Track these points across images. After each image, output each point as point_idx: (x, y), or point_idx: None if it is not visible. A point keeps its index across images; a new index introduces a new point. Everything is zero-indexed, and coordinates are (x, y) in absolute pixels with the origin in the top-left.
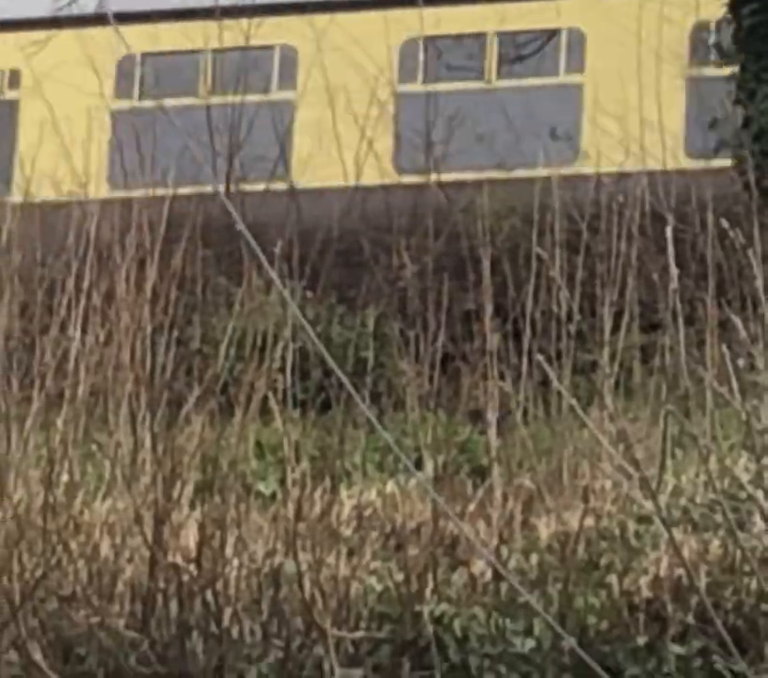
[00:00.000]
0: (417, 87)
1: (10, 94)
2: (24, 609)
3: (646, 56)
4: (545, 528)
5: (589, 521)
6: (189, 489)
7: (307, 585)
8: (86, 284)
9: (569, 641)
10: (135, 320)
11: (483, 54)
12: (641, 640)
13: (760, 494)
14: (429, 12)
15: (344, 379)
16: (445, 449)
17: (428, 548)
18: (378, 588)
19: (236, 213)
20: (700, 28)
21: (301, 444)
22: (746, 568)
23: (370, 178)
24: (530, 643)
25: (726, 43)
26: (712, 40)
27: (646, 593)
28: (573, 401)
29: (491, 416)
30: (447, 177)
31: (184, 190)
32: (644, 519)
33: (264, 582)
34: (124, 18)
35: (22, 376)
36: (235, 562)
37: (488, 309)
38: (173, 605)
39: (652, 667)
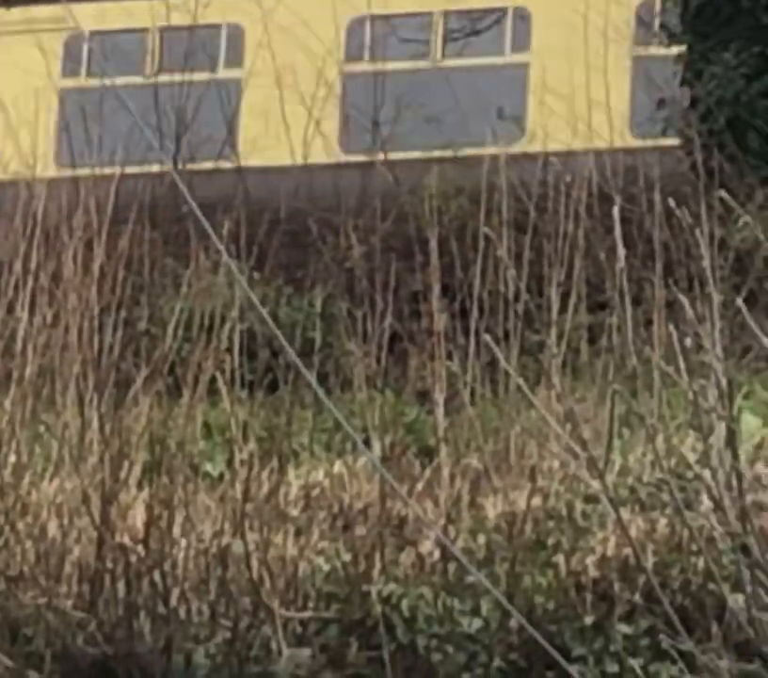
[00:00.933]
0: (364, 66)
1: None
2: None
3: (592, 35)
4: (492, 508)
5: (536, 500)
6: (137, 469)
7: (254, 565)
8: (33, 265)
9: (519, 618)
10: (82, 301)
11: (429, 32)
12: (588, 620)
13: (706, 474)
14: None
15: (295, 359)
16: (392, 429)
17: (376, 528)
18: (326, 568)
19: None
20: (647, 8)
21: (249, 425)
22: (693, 547)
23: (317, 158)
24: (477, 623)
25: (672, 23)
26: (658, 19)
27: (593, 573)
28: (521, 381)
29: (439, 396)
30: (394, 156)
31: (131, 170)
32: (591, 498)
33: (211, 562)
34: None
35: None
36: (183, 543)
37: (436, 289)
38: (121, 586)
39: (599, 646)
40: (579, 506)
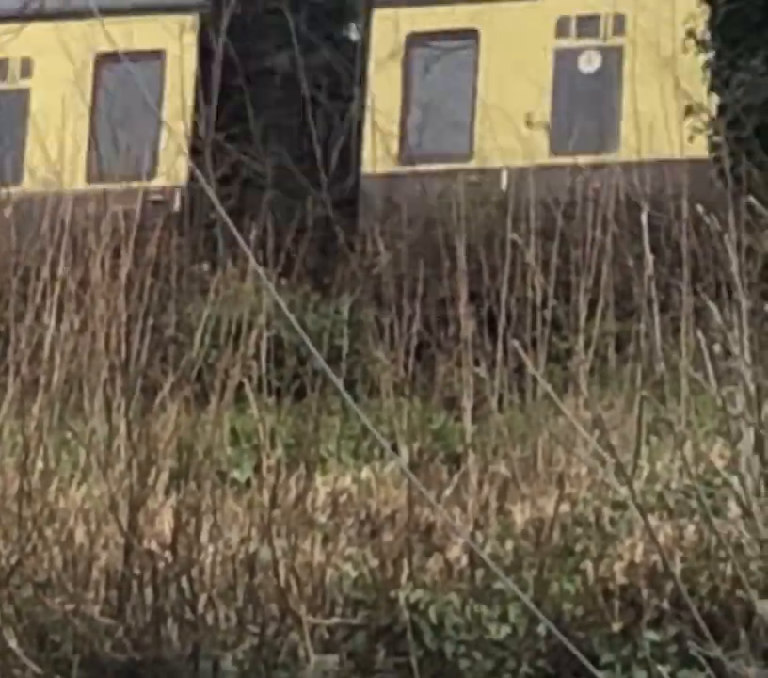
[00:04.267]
0: None
1: (22, 83)
2: None
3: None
4: (520, 514)
5: (564, 507)
6: (164, 476)
7: (282, 571)
8: (61, 272)
9: (547, 624)
10: (110, 308)
11: None
12: (616, 626)
13: (734, 480)
14: None
15: (323, 365)
16: (420, 436)
17: (403, 534)
18: (353, 574)
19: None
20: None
21: (276, 431)
22: (721, 554)
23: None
24: (505, 630)
25: (700, 31)
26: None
27: (621, 579)
28: (548, 387)
29: (466, 403)
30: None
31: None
32: (619, 505)
33: (239, 569)
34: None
35: None
36: (210, 549)
37: (464, 295)
38: (148, 592)
39: (627, 653)
40: (607, 512)
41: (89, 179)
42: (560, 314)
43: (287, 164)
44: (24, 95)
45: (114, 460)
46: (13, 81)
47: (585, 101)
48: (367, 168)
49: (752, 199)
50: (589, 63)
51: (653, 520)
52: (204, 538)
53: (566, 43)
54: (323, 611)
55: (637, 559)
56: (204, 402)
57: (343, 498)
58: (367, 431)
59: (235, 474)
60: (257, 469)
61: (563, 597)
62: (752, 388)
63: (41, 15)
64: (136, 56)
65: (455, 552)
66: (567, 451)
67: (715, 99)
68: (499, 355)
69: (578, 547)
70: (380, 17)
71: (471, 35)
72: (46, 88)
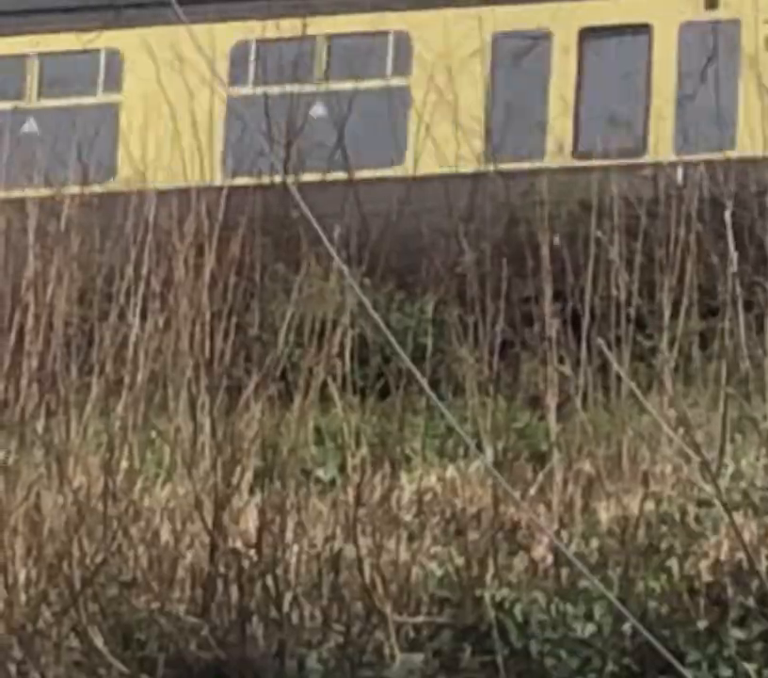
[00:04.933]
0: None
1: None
2: (85, 595)
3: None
4: (605, 513)
5: (649, 505)
6: (249, 475)
7: (367, 570)
8: (144, 271)
9: (633, 622)
10: (193, 306)
11: None
12: (702, 624)
13: None
14: None
15: (409, 364)
16: (505, 435)
17: (488, 533)
18: (439, 573)
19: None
20: None
21: (361, 430)
22: None
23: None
24: (590, 628)
25: None
26: None
27: (706, 577)
28: (633, 385)
29: (551, 401)
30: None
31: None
32: (704, 503)
33: (323, 567)
34: None
35: (81, 363)
36: (295, 548)
37: (548, 294)
38: (233, 591)
39: (713, 651)
40: (692, 510)
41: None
42: (644, 313)
43: None
44: None
45: (199, 458)
46: None
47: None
48: None
49: None
50: None
51: (738, 517)
52: (289, 536)
53: None
54: (408, 610)
55: (723, 557)
56: (288, 401)
57: (428, 497)
58: (452, 430)
59: (320, 472)
60: (342, 468)
61: (648, 595)
62: None
63: None
64: None
65: (540, 550)
66: (651, 449)
67: None
68: (583, 354)
69: (663, 545)
70: None
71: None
72: None
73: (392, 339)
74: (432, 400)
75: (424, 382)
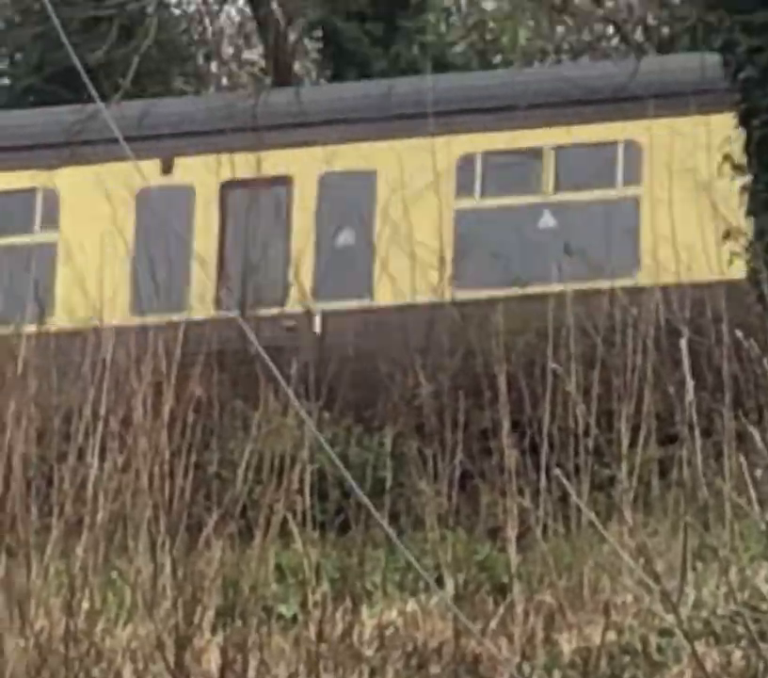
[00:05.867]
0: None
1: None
2: None
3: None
4: (567, 644)
5: (611, 635)
6: (210, 613)
7: None
8: (103, 411)
9: None
10: (152, 445)
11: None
12: None
13: None
14: None
15: (364, 500)
16: (465, 567)
17: (450, 666)
18: None
19: (252, 337)
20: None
21: (321, 566)
22: None
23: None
24: None
25: (737, 154)
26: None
27: None
28: (593, 516)
29: (511, 533)
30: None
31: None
32: (666, 632)
33: None
34: None
35: (40, 503)
36: None
37: (505, 425)
38: None
39: None
40: (654, 640)
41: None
42: (602, 442)
43: None
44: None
45: (160, 598)
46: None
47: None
48: None
49: None
50: None
51: (700, 646)
52: (252, 675)
53: None
54: None
55: None
56: (249, 538)
57: (389, 631)
58: (412, 564)
59: (282, 609)
60: (303, 604)
61: None
62: None
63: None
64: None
65: None
66: (612, 579)
67: (753, 222)
68: (542, 484)
69: (626, 676)
70: None
71: None
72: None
73: (347, 474)
74: (390, 536)
75: (381, 518)
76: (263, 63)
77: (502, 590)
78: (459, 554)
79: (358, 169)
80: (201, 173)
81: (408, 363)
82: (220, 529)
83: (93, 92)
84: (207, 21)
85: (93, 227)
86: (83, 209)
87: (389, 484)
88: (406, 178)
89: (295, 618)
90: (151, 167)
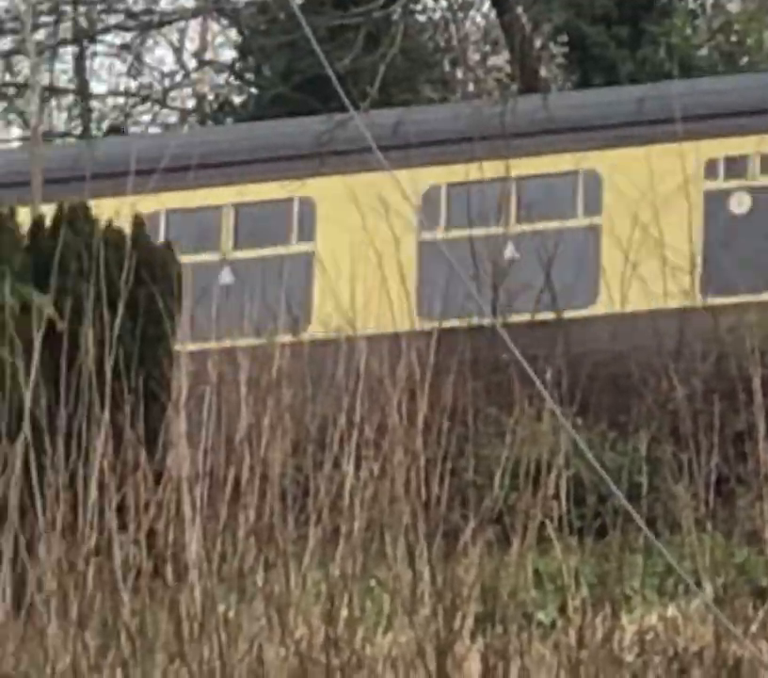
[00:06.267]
0: None
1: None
2: None
3: None
4: None
5: None
6: (470, 620)
7: None
8: (357, 419)
9: None
10: (408, 453)
11: None
12: None
13: None
14: None
15: (625, 503)
16: (723, 571)
17: (712, 671)
18: None
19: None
20: None
21: (580, 571)
22: None
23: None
24: None
25: None
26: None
27: None
28: None
29: None
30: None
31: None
32: None
33: None
34: None
35: (297, 513)
36: None
37: (761, 428)
38: None
39: None
40: None
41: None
42: None
43: None
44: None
45: (418, 605)
46: None
47: None
48: None
49: None
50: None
51: None
52: None
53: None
54: None
55: None
56: (506, 545)
57: (649, 636)
58: (671, 568)
59: (540, 615)
60: (562, 610)
61: None
62: None
63: None
64: None
65: None
66: None
67: None
68: None
69: None
70: None
71: None
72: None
73: (608, 479)
74: (649, 539)
75: (641, 521)
76: (509, 69)
77: (761, 594)
78: (717, 557)
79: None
80: None
81: (661, 367)
82: (478, 536)
83: (345, 100)
84: (453, 27)
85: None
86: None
87: (644, 488)
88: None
89: (553, 624)
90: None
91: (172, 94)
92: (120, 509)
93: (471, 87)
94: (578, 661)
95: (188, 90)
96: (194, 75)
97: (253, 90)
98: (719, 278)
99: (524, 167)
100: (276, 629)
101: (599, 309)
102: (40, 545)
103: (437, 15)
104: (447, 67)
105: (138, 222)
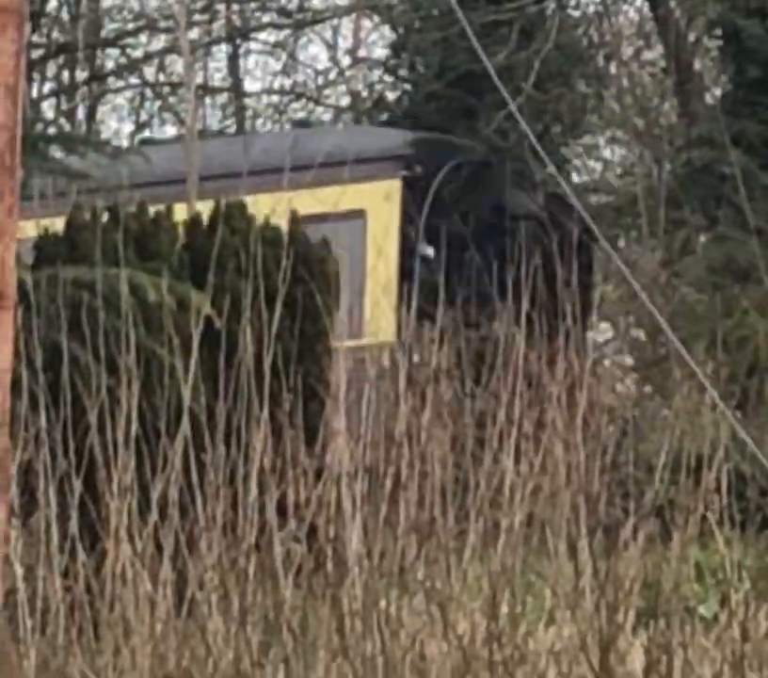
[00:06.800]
0: None
1: None
2: None
3: None
4: None
5: None
6: (632, 614)
7: None
8: (517, 414)
9: None
10: (567, 447)
11: None
12: None
13: None
14: None
15: None
16: None
17: None
18: None
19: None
20: None
21: (742, 565)
22: None
23: None
24: None
25: None
26: None
27: None
28: None
29: None
30: None
31: None
32: None
33: None
34: None
35: (457, 508)
36: None
37: None
38: None
39: None
40: None
41: None
42: None
43: None
44: None
45: (580, 599)
46: None
47: None
48: None
49: None
50: None
51: None
52: (677, 675)
53: None
54: None
55: None
56: (667, 538)
57: None
58: None
59: (702, 609)
60: (723, 603)
61: None
62: None
63: None
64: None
65: None
66: None
67: None
68: None
69: None
70: None
71: None
72: None
73: None
74: None
75: None
76: (663, 63)
77: None
78: None
79: None
80: None
81: None
82: (638, 530)
83: (505, 95)
84: (606, 22)
85: None
86: None
87: None
88: None
89: (715, 617)
90: None
91: (326, 92)
92: (280, 506)
93: (625, 81)
94: (742, 655)
95: (342, 88)
96: (348, 73)
97: (407, 87)
98: None
99: None
100: (437, 624)
101: None
102: (201, 542)
103: (590, 10)
104: (601, 62)
105: (295, 219)
